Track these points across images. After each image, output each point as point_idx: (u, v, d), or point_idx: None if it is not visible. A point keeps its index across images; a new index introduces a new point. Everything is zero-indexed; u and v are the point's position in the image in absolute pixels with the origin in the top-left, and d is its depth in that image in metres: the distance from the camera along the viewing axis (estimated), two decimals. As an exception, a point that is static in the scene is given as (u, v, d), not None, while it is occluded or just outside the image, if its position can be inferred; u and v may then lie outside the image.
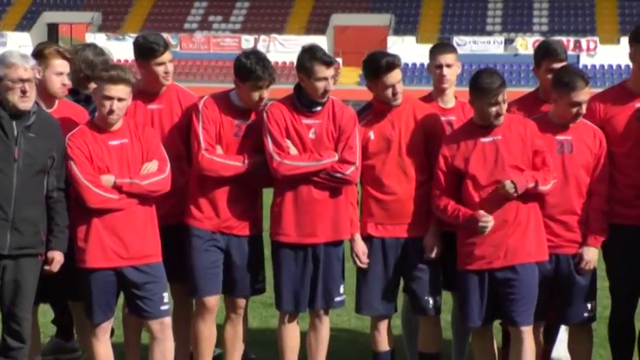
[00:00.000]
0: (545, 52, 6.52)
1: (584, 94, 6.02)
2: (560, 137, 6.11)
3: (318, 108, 6.19)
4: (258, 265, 6.39)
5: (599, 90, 6.45)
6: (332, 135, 6.19)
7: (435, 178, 6.11)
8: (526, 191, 5.89)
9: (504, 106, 5.97)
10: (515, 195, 5.86)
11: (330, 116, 6.19)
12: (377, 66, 6.11)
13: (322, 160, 6.13)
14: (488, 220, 5.90)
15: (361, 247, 6.28)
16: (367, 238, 6.31)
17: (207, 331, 6.39)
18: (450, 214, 6.03)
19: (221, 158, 6.16)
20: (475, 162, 6.00)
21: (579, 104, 6.02)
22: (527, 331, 6.05)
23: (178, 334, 6.51)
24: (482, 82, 5.92)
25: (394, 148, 6.21)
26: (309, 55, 6.10)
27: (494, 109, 5.92)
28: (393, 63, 6.09)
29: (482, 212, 5.91)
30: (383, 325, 6.38)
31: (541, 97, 6.50)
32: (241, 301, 6.41)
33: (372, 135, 6.24)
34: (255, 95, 6.16)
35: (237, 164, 6.18)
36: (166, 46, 6.31)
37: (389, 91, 6.15)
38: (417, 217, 6.21)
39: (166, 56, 6.31)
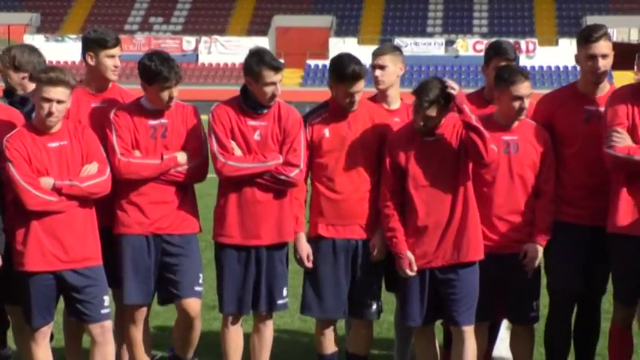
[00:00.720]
0: (495, 51, 6.61)
1: (524, 88, 6.07)
2: (506, 137, 6.16)
3: (264, 110, 6.17)
4: (197, 266, 6.34)
5: (539, 91, 6.50)
6: (277, 137, 6.18)
7: (382, 178, 6.12)
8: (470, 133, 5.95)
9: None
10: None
11: (276, 118, 6.19)
12: (342, 73, 6.11)
13: (266, 162, 6.11)
14: (407, 273, 6.01)
15: (305, 249, 6.27)
16: (317, 239, 6.27)
17: (140, 336, 6.35)
18: (385, 230, 6.10)
19: (138, 159, 6.15)
20: (416, 161, 6.02)
21: (520, 98, 6.08)
22: (469, 331, 6.09)
23: (122, 338, 6.45)
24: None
25: (348, 148, 6.20)
26: (257, 59, 6.08)
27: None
28: (358, 75, 6.07)
29: (407, 262, 5.99)
30: (329, 328, 6.35)
31: (486, 97, 6.55)
32: (193, 304, 6.36)
33: (327, 133, 6.24)
34: (165, 95, 6.16)
35: (154, 162, 6.17)
36: (118, 40, 6.37)
37: (348, 99, 6.15)
38: (368, 218, 6.21)
39: (117, 50, 6.35)
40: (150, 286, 6.29)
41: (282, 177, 6.14)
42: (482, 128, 5.89)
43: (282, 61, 6.20)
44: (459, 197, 6.00)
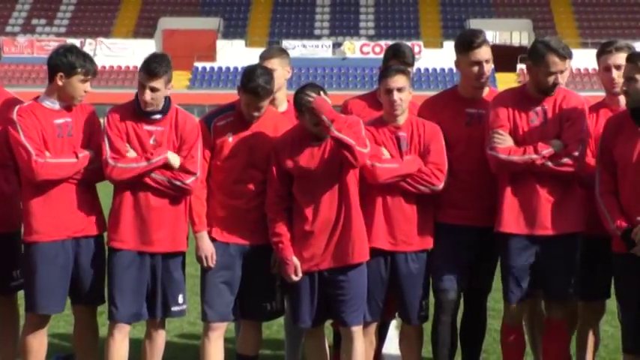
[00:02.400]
0: (394, 54, 6.71)
1: (395, 82, 6.13)
2: (399, 134, 6.23)
3: (158, 116, 6.12)
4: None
5: (425, 93, 6.59)
6: (173, 144, 6.14)
7: (268, 182, 6.13)
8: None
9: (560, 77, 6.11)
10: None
11: (173, 125, 6.14)
12: (247, 86, 6.07)
13: (153, 159, 6.05)
14: (292, 278, 6.04)
15: (207, 248, 6.20)
16: (211, 242, 6.23)
17: (37, 344, 6.22)
18: (271, 234, 6.10)
19: (55, 159, 6.03)
20: (303, 165, 6.04)
21: (391, 91, 6.15)
22: (357, 331, 6.14)
23: (2, 346, 6.32)
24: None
25: (250, 155, 6.16)
26: (141, 66, 6.05)
27: (551, 79, 6.06)
28: (265, 90, 6.04)
29: (292, 268, 6.03)
30: (218, 333, 6.29)
31: (379, 98, 6.58)
32: (89, 309, 6.29)
33: (230, 138, 6.20)
34: (81, 88, 6.09)
35: (71, 161, 6.07)
36: None
37: (248, 109, 6.13)
38: (262, 224, 6.19)
39: None
40: (62, 296, 6.18)
41: (178, 183, 6.08)
42: (342, 136, 5.90)
43: (162, 66, 6.08)
44: (345, 200, 6.04)
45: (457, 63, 6.39)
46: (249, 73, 6.09)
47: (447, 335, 6.45)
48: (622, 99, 6.22)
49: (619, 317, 6.02)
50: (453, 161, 6.30)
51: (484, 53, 6.27)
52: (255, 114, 6.15)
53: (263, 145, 6.17)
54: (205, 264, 6.20)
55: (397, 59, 6.68)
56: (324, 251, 6.06)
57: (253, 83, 6.03)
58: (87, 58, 6.12)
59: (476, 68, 6.27)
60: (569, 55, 6.13)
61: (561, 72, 6.09)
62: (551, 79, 6.07)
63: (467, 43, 6.28)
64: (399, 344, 6.58)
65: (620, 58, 6.27)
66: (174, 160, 6.07)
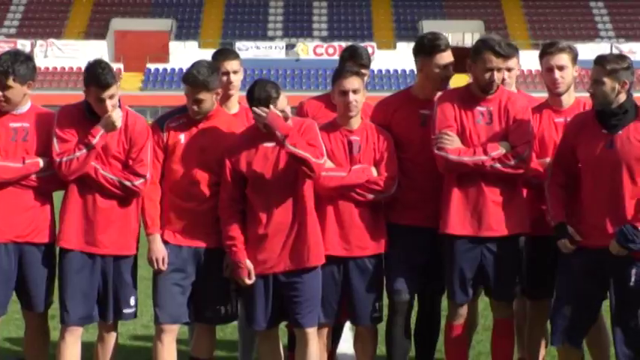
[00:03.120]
0: (350, 55, 6.74)
1: (350, 83, 6.14)
2: (352, 137, 6.24)
3: None
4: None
5: (378, 95, 6.60)
6: (123, 145, 6.11)
7: (221, 184, 6.11)
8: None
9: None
10: None
11: (122, 127, 6.10)
12: (184, 76, 6.09)
13: (92, 141, 5.97)
14: (245, 282, 6.04)
15: (159, 250, 6.16)
16: (164, 244, 6.18)
17: None
18: (224, 238, 6.08)
19: None
20: (257, 167, 6.03)
21: (346, 93, 6.16)
22: (312, 333, 6.14)
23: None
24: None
25: (202, 157, 6.13)
26: (87, 74, 6.00)
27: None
28: (196, 79, 6.02)
29: (245, 272, 6.03)
30: (170, 336, 6.25)
31: (333, 101, 6.54)
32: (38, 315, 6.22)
33: (182, 139, 6.17)
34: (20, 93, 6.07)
35: (15, 165, 6.01)
36: None
37: (189, 103, 6.11)
38: (216, 227, 6.16)
39: None
40: (5, 297, 6.11)
41: (127, 183, 6.05)
42: (297, 151, 5.90)
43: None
44: (299, 203, 6.03)
45: (421, 66, 6.39)
46: (192, 65, 6.13)
47: (400, 336, 6.48)
48: (564, 99, 6.32)
49: (550, 312, 6.11)
50: (406, 162, 6.32)
51: (449, 56, 6.33)
52: (195, 108, 6.11)
53: (215, 146, 6.15)
54: (156, 266, 6.17)
55: (354, 61, 6.70)
56: (279, 254, 6.05)
57: (188, 73, 6.07)
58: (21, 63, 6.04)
59: (443, 71, 6.30)
60: (508, 54, 6.12)
61: (499, 70, 6.09)
62: (487, 75, 6.10)
63: (432, 46, 6.32)
64: (354, 345, 6.59)
65: (562, 58, 6.34)
66: (117, 116, 6.01)
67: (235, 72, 6.61)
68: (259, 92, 5.96)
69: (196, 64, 6.13)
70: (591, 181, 5.88)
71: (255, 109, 5.94)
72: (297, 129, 6.01)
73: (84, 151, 5.98)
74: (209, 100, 6.12)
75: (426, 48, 6.34)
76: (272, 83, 6.07)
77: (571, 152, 5.99)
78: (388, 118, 6.41)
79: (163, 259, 6.14)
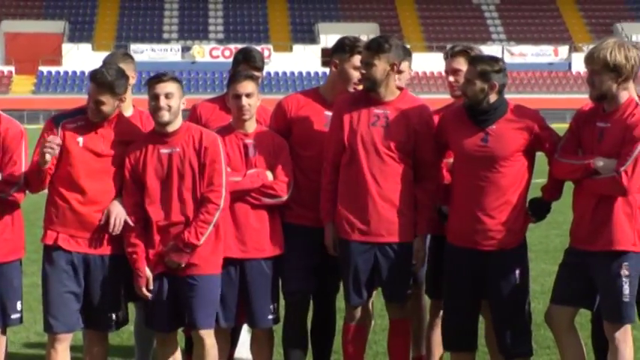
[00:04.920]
0: (243, 58, 6.73)
1: (243, 87, 6.16)
2: (247, 141, 6.24)
3: None
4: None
5: (274, 97, 6.62)
6: None
7: (124, 189, 6.03)
8: None
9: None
10: None
11: None
12: (91, 74, 5.98)
13: None
14: (144, 292, 5.99)
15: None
16: (52, 249, 6.04)
17: None
18: (126, 244, 6.01)
19: None
20: (150, 172, 5.98)
21: (239, 96, 6.18)
22: (208, 334, 6.11)
23: None
24: None
25: (98, 163, 6.01)
26: None
27: None
28: (103, 78, 5.88)
29: (144, 281, 5.97)
30: (64, 344, 6.13)
31: (228, 104, 6.52)
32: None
33: (80, 141, 6.03)
34: None
35: None
36: None
37: (90, 101, 6.00)
38: (109, 233, 6.05)
39: None
40: None
41: (2, 195, 5.92)
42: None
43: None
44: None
45: (337, 64, 6.42)
46: (103, 64, 6.05)
47: (297, 337, 6.51)
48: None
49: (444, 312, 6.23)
50: (307, 160, 6.35)
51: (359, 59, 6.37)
52: (94, 108, 5.98)
53: (112, 151, 6.06)
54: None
55: (247, 63, 6.69)
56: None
57: (97, 72, 5.96)
58: None
59: (357, 71, 6.34)
60: (356, 50, 6.22)
61: (372, 66, 6.11)
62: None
63: (351, 46, 6.37)
64: (250, 347, 6.58)
65: (456, 62, 6.47)
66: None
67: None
68: None
69: (107, 65, 6.05)
70: (463, 174, 6.02)
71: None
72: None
73: None
74: (111, 104, 6.00)
75: (346, 47, 6.40)
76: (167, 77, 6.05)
77: (443, 147, 6.17)
78: (294, 113, 6.43)
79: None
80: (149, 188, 6.00)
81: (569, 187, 6.05)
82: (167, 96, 5.94)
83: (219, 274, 6.11)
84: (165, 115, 5.95)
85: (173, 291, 6.06)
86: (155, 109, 5.96)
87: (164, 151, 6.00)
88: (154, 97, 5.96)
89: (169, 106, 5.94)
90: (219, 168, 6.01)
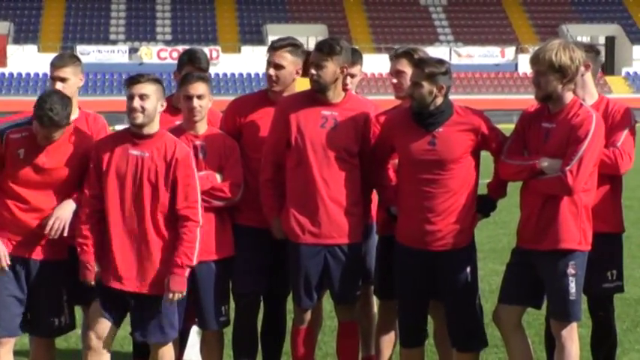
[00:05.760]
0: (188, 59, 6.72)
1: (195, 89, 6.14)
2: (197, 142, 6.21)
3: None
4: None
5: (223, 98, 6.59)
6: None
7: (86, 181, 5.97)
8: None
9: None
10: None
11: None
12: (36, 114, 5.78)
13: None
14: (91, 283, 5.90)
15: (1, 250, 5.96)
16: None
17: None
18: (77, 235, 5.94)
19: None
20: (112, 170, 5.89)
21: (191, 98, 6.15)
22: (167, 347, 6.06)
23: None
24: None
25: (41, 176, 5.92)
26: None
27: None
28: (51, 121, 5.72)
29: (92, 274, 5.89)
30: (6, 348, 6.01)
31: (174, 103, 6.53)
32: None
33: (21, 153, 5.91)
34: None
35: None
36: None
37: (37, 135, 5.90)
38: (51, 239, 5.98)
39: None
40: None
41: None
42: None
43: None
44: (156, 219, 5.89)
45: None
46: (42, 100, 5.79)
47: (247, 338, 6.50)
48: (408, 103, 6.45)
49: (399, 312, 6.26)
50: (255, 163, 6.31)
51: (279, 57, 6.36)
52: (44, 143, 5.89)
53: (56, 166, 5.96)
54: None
55: (192, 64, 6.68)
56: (130, 264, 5.90)
57: (41, 111, 5.75)
58: None
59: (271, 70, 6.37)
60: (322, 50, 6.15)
61: (322, 68, 6.10)
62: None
63: (270, 45, 6.42)
64: (200, 350, 6.56)
65: (399, 64, 6.48)
66: None
67: (69, 80, 6.36)
68: None
69: (48, 101, 5.76)
70: (411, 178, 6.02)
71: None
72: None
73: None
74: (59, 133, 5.89)
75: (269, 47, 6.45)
76: None
77: (390, 150, 6.16)
78: (241, 117, 6.41)
79: (5, 256, 5.93)
80: (109, 186, 5.90)
81: (516, 187, 6.11)
82: (142, 97, 5.84)
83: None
84: (139, 117, 5.86)
85: (123, 300, 5.98)
86: (129, 110, 5.88)
87: (133, 152, 5.91)
88: (129, 98, 5.88)
89: (143, 108, 5.84)
90: (193, 183, 5.94)
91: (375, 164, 6.26)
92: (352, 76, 6.44)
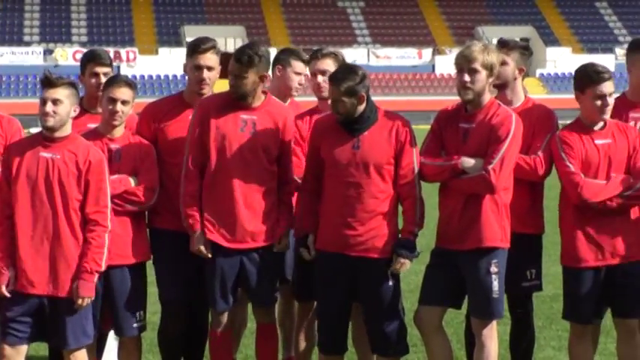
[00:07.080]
0: (90, 58, 6.65)
1: (120, 93, 6.09)
2: (112, 146, 6.14)
3: None
4: None
5: (139, 101, 6.49)
6: None
7: None
8: None
9: None
10: None
11: None
12: None
13: None
14: (3, 291, 5.76)
15: None
16: None
17: None
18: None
19: None
20: (23, 173, 5.78)
21: (115, 101, 6.10)
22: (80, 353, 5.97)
23: None
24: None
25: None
26: None
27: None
28: None
29: (5, 278, 5.74)
30: None
31: (85, 106, 6.46)
32: None
33: None
34: None
35: None
36: None
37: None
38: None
39: None
40: None
41: None
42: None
43: None
44: (71, 220, 5.79)
45: (185, 67, 6.47)
46: None
47: (172, 345, 6.48)
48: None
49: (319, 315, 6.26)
50: (174, 167, 6.25)
51: (207, 59, 6.34)
52: None
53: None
54: None
55: (95, 62, 6.62)
56: (42, 268, 5.78)
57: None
58: None
59: (197, 73, 6.35)
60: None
61: (242, 79, 6.09)
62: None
63: (191, 47, 6.41)
64: (118, 355, 6.49)
65: (326, 64, 6.53)
66: None
67: None
68: None
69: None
70: (335, 183, 5.99)
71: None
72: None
73: None
74: None
75: (188, 49, 6.43)
76: None
77: (318, 156, 6.08)
78: (156, 122, 6.36)
79: None
80: (19, 190, 5.78)
81: (434, 188, 6.14)
82: (55, 102, 5.75)
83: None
84: (50, 121, 5.77)
85: (40, 310, 5.86)
86: (41, 114, 5.78)
87: (44, 154, 5.80)
88: (42, 101, 5.78)
89: (55, 112, 5.75)
90: (104, 187, 5.85)
91: (311, 176, 6.15)
92: (298, 74, 6.68)
